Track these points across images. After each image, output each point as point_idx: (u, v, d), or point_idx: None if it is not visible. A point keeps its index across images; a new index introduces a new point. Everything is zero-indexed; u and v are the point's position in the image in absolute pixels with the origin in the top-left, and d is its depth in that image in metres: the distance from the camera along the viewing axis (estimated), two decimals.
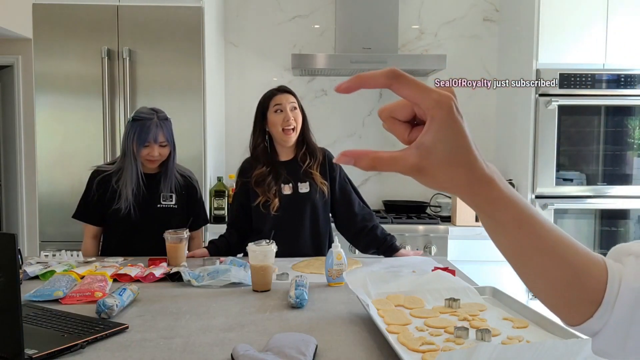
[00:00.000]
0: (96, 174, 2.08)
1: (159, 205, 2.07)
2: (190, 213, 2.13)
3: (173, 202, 2.09)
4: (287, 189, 2.06)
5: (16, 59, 4.12)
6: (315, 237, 2.11)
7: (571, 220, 2.95)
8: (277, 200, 2.02)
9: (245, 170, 2.11)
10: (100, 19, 2.72)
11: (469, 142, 0.51)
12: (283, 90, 2.06)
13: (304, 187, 2.06)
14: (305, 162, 2.06)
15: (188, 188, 2.14)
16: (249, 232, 2.10)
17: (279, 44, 3.39)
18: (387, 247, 2.05)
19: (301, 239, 2.08)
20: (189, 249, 2.17)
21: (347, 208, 2.11)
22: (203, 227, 2.28)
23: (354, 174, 3.48)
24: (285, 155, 2.10)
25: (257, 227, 2.07)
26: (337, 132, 3.45)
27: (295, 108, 2.03)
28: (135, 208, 2.01)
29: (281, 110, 2.01)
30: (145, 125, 1.97)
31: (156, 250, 1.97)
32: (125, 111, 2.73)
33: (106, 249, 2.10)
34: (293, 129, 2.01)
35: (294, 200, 2.05)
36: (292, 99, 2.04)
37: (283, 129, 2.00)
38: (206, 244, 2.19)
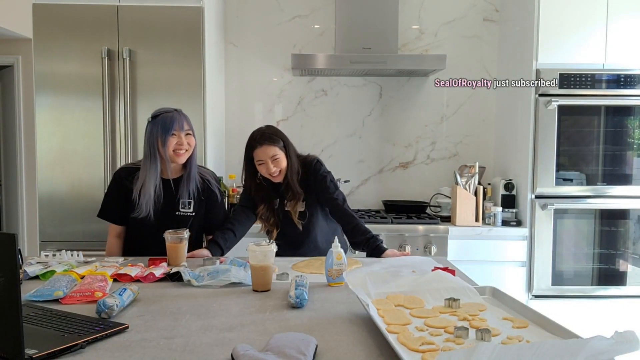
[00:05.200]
0: (121, 173, 2.08)
1: (177, 213, 2.06)
2: (208, 217, 2.13)
3: (191, 210, 2.08)
4: (289, 205, 2.18)
5: (16, 59, 4.11)
6: (322, 244, 2.22)
7: (571, 220, 2.95)
8: (275, 231, 2.19)
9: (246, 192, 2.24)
10: (100, 19, 2.72)
11: None
12: (261, 142, 2.08)
13: (301, 206, 2.18)
14: (286, 194, 2.16)
15: (207, 193, 2.12)
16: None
17: (279, 44, 3.39)
18: (372, 249, 2.07)
19: (308, 248, 2.19)
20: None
21: (331, 212, 2.22)
22: None
23: (353, 174, 3.49)
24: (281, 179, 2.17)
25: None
26: (337, 132, 3.45)
27: (276, 158, 2.08)
28: (154, 214, 2.00)
29: (263, 164, 2.10)
30: (169, 117, 1.99)
31: None
32: (125, 111, 2.73)
33: (132, 252, 2.08)
34: (278, 174, 2.11)
35: (291, 215, 2.17)
36: (271, 151, 2.07)
37: (269, 174, 2.11)
38: (203, 244, 2.20)
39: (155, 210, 2.00)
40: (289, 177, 2.13)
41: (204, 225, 2.14)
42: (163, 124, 1.97)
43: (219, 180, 2.25)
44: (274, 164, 2.07)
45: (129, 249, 2.10)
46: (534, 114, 2.91)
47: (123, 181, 2.05)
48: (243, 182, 2.23)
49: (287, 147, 2.12)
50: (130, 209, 2.02)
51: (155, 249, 2.00)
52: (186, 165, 2.07)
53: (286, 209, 2.17)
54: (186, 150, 2.01)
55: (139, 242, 2.07)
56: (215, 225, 2.14)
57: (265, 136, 2.09)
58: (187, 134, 2.01)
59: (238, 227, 2.15)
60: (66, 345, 1.05)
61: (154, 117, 2.02)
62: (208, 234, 2.18)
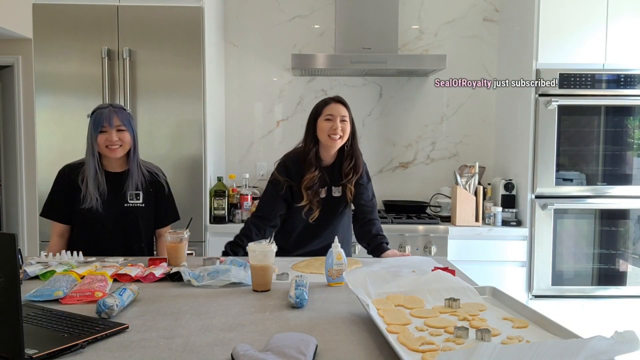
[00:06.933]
0: (63, 171, 2.08)
1: (126, 205, 2.06)
2: (158, 210, 2.13)
3: (140, 201, 2.08)
4: (322, 192, 2.15)
5: (16, 59, 4.11)
6: (342, 238, 2.18)
7: (571, 220, 2.96)
8: (318, 211, 2.10)
9: (289, 171, 2.13)
10: (100, 19, 2.72)
11: None
12: (337, 100, 2.10)
13: (337, 192, 2.15)
14: (348, 176, 2.13)
15: (155, 185, 2.13)
16: (278, 229, 2.17)
17: (279, 44, 3.39)
18: (375, 246, 2.08)
19: (329, 239, 2.13)
20: (157, 247, 2.17)
21: (356, 198, 2.18)
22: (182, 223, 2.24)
23: None
24: (327, 161, 2.15)
25: (290, 226, 2.16)
26: None
27: (344, 120, 2.07)
28: (102, 207, 2.01)
29: (331, 120, 2.06)
30: (99, 113, 2.00)
31: (126, 250, 1.98)
32: None
33: (75, 249, 2.02)
34: (339, 137, 2.06)
35: (327, 203, 2.14)
36: (343, 111, 2.08)
37: (329, 135, 2.05)
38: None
39: (102, 202, 2.01)
40: (355, 148, 2.13)
41: (154, 217, 2.13)
42: (94, 121, 1.99)
43: (165, 174, 2.21)
44: (342, 125, 2.06)
45: (80, 245, 2.04)
46: (534, 114, 2.91)
47: (68, 177, 2.05)
48: (302, 151, 2.12)
49: (352, 121, 2.12)
50: (77, 204, 2.02)
51: (105, 244, 2.01)
52: (129, 159, 2.07)
53: (334, 195, 2.14)
54: (120, 146, 2.01)
55: (90, 236, 2.05)
56: (164, 217, 2.14)
57: (340, 98, 2.13)
58: (119, 130, 2.00)
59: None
60: (66, 345, 1.05)
61: (91, 113, 2.03)
62: (158, 227, 2.15)
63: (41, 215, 2.09)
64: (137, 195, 2.08)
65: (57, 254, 1.88)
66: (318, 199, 2.10)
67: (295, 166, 2.12)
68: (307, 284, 1.46)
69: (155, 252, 2.17)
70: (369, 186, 2.21)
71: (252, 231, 2.10)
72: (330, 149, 2.10)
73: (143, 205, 2.09)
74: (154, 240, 2.18)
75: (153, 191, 2.12)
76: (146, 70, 2.75)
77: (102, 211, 2.01)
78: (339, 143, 2.08)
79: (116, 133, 1.99)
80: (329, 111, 2.07)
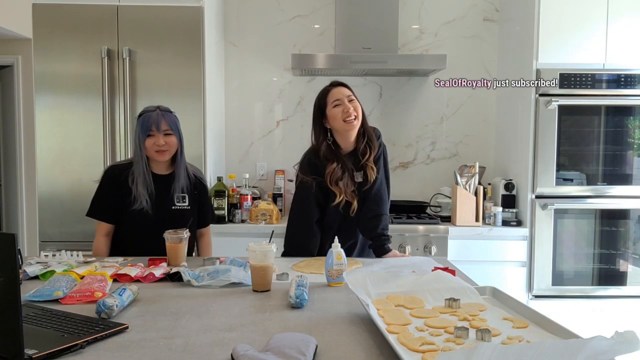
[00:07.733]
0: (110, 171, 2.09)
1: (173, 207, 2.08)
2: (201, 211, 2.17)
3: (187, 204, 2.10)
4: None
5: (16, 59, 4.11)
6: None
7: (571, 220, 2.95)
8: (356, 202, 2.03)
9: (315, 166, 2.05)
10: (100, 19, 2.72)
11: None
12: (337, 84, 2.07)
13: (359, 177, 2.08)
14: (365, 155, 2.06)
15: (199, 188, 2.16)
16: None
17: (279, 44, 3.39)
18: (377, 245, 2.06)
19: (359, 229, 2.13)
20: (198, 247, 2.21)
21: (369, 186, 2.10)
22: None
23: None
24: (347, 148, 2.09)
25: (327, 223, 2.09)
26: None
27: (352, 100, 2.02)
28: (150, 209, 2.01)
29: (340, 104, 2.01)
30: (147, 117, 2.01)
31: None
32: (125, 111, 2.73)
33: (122, 250, 2.06)
34: (355, 118, 2.00)
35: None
36: (347, 91, 2.04)
37: (344, 120, 1.99)
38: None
39: (151, 205, 2.02)
40: (365, 126, 2.06)
41: (197, 218, 2.16)
42: (142, 124, 2.00)
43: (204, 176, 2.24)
44: (352, 105, 2.00)
45: (125, 247, 2.07)
46: (534, 114, 2.91)
47: (117, 179, 2.04)
48: (315, 146, 2.07)
49: (358, 99, 2.07)
50: (126, 206, 2.02)
51: (153, 245, 1.99)
52: (175, 162, 2.08)
53: (356, 180, 2.06)
54: (167, 150, 2.01)
55: (137, 238, 2.05)
56: (206, 218, 2.18)
57: (337, 81, 2.09)
58: (167, 134, 2.01)
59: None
60: (66, 345, 1.05)
61: (139, 116, 2.05)
62: (199, 227, 2.19)
63: (88, 215, 2.07)
64: (184, 198, 2.09)
65: (57, 254, 1.88)
66: (352, 190, 2.03)
67: (320, 160, 2.05)
68: (307, 284, 1.46)
69: (195, 253, 2.19)
70: (387, 170, 2.15)
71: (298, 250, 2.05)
72: (350, 133, 2.03)
73: (189, 207, 2.10)
74: (195, 241, 2.20)
75: (197, 193, 2.14)
76: (146, 70, 2.75)
77: (150, 213, 2.02)
78: (357, 124, 2.01)
79: (163, 137, 2.00)
80: (334, 97, 2.02)
